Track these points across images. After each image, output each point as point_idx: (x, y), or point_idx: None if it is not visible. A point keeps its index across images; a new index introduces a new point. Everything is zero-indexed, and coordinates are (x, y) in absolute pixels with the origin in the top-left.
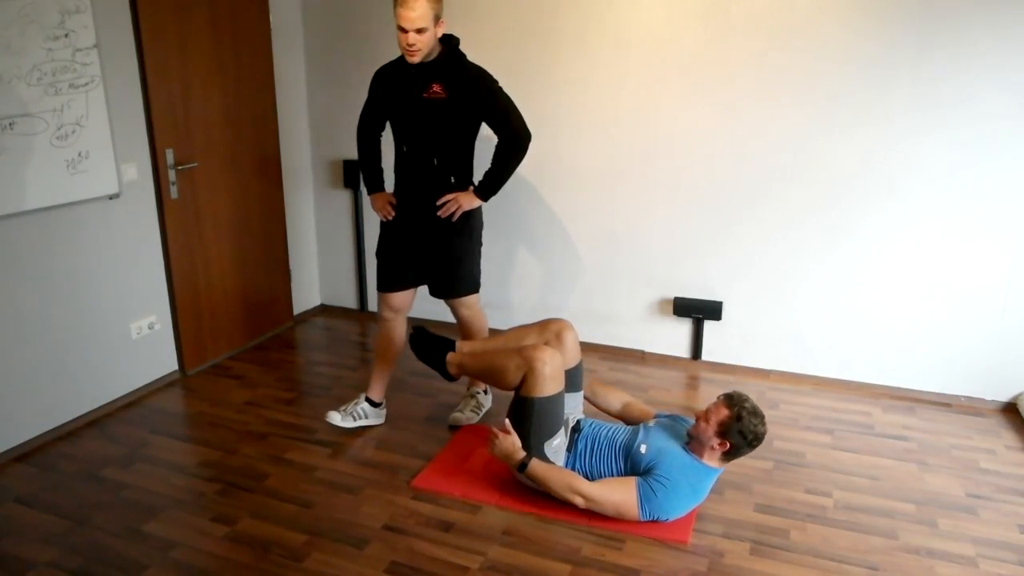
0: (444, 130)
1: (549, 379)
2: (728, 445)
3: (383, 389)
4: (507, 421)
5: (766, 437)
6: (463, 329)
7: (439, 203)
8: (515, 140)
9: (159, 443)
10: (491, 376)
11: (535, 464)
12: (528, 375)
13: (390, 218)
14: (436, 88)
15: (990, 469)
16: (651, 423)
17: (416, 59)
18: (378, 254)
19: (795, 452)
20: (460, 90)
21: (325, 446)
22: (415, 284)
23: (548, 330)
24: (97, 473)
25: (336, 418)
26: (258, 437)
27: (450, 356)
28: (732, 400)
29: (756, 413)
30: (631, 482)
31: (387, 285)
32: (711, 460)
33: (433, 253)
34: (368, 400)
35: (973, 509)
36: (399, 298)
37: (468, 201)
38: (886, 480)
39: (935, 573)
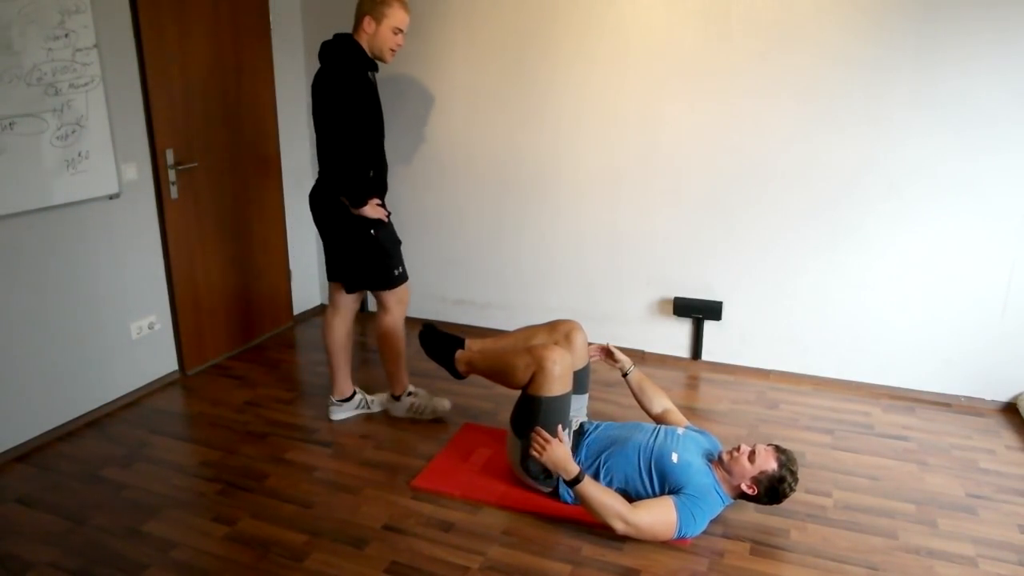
0: None
1: (558, 379)
2: (755, 491)
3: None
4: (560, 428)
5: (767, 436)
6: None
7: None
8: None
9: (159, 443)
10: (500, 374)
11: (589, 483)
12: (537, 374)
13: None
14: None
15: (990, 469)
16: (680, 431)
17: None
18: (397, 248)
19: (795, 452)
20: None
21: (325, 446)
22: None
23: (557, 331)
24: (97, 473)
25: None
26: (258, 437)
27: (459, 354)
28: (784, 457)
29: (796, 480)
30: (671, 508)
31: (407, 273)
32: (728, 489)
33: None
34: (399, 396)
35: (973, 509)
36: None
37: None
38: (886, 480)
39: (935, 573)
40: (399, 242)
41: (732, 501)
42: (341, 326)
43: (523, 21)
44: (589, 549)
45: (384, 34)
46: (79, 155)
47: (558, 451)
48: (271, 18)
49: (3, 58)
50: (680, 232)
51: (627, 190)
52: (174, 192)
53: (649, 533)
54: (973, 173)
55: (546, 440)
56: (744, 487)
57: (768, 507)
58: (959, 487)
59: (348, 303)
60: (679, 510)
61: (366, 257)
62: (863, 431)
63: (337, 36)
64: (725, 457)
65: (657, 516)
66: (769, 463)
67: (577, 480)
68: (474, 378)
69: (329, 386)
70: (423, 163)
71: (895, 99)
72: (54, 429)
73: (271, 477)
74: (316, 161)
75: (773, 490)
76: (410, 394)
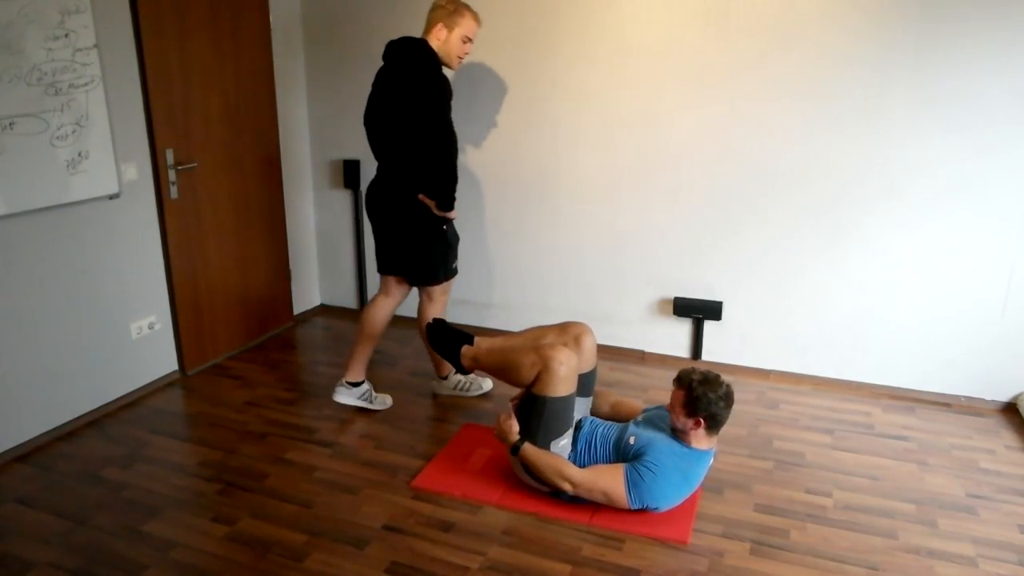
0: None
1: (563, 379)
2: (701, 420)
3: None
4: (510, 404)
5: (767, 436)
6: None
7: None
8: None
9: (159, 443)
10: (505, 372)
11: (527, 448)
12: (543, 373)
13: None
14: None
15: (990, 469)
16: (639, 417)
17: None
18: (456, 244)
19: (795, 452)
20: None
21: (325, 446)
22: None
23: (567, 333)
24: (97, 473)
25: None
26: (258, 437)
27: (465, 349)
28: (681, 380)
29: (707, 380)
30: (619, 468)
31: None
32: (699, 442)
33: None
34: (445, 377)
35: (973, 509)
36: None
37: None
38: (886, 480)
39: (935, 573)
40: (458, 238)
41: (708, 450)
42: (383, 313)
43: (523, 21)
44: (589, 549)
45: (454, 42)
46: (79, 155)
47: (503, 424)
48: (271, 18)
49: (3, 58)
50: (680, 232)
51: (627, 190)
52: (174, 192)
53: (597, 491)
54: (973, 173)
55: (499, 418)
56: (692, 427)
57: (768, 506)
58: (959, 487)
59: (400, 295)
60: (626, 471)
61: (434, 252)
62: (863, 431)
63: (409, 38)
64: (671, 424)
65: (599, 473)
66: (677, 396)
67: (516, 447)
68: None
69: (329, 386)
70: None
71: (895, 99)
72: (54, 429)
73: (271, 477)
74: (381, 159)
75: (702, 404)
76: (455, 373)
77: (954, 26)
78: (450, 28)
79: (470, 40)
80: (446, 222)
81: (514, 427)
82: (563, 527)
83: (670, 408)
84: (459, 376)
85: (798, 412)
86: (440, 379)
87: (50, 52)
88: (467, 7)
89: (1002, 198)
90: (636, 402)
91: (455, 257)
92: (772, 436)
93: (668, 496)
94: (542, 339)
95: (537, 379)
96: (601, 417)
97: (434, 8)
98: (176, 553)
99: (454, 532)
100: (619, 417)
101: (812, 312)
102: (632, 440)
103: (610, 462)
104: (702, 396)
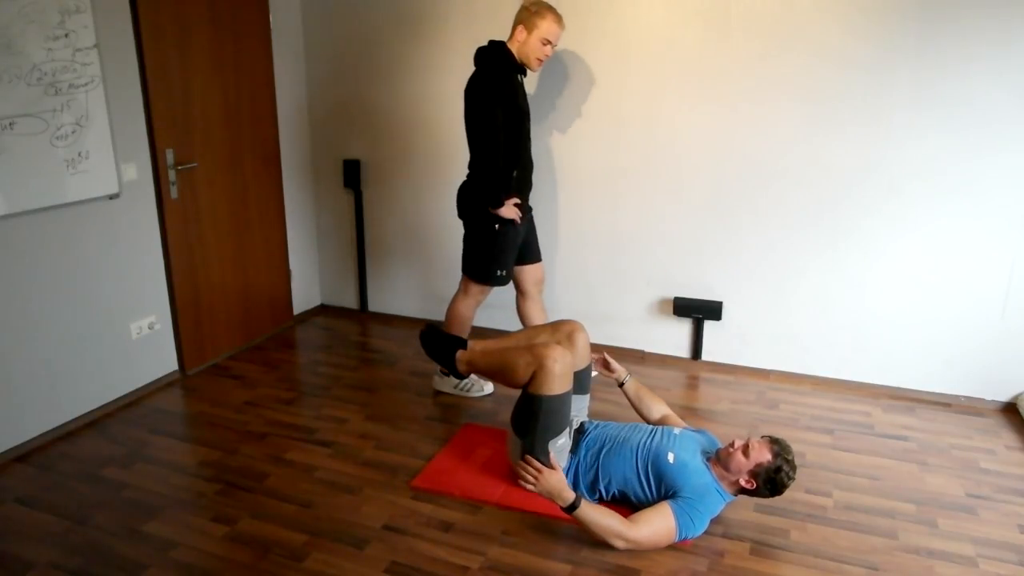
0: None
1: (559, 377)
2: (754, 485)
3: None
4: (552, 456)
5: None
6: (534, 301)
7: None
8: None
9: (159, 443)
10: (501, 373)
11: (586, 507)
12: (538, 372)
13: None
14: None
15: (990, 469)
16: (677, 431)
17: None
18: (509, 254)
19: (795, 452)
20: None
21: (325, 446)
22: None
23: (560, 331)
24: (97, 473)
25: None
26: (258, 437)
27: (460, 353)
28: (778, 447)
29: (794, 468)
30: (669, 516)
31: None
32: (727, 486)
33: (532, 231)
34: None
35: (973, 509)
36: None
37: None
38: (886, 480)
39: (935, 573)
40: (516, 247)
41: (733, 497)
42: (532, 311)
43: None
44: (589, 549)
45: (533, 43)
46: (79, 155)
47: (551, 479)
48: (271, 18)
49: (3, 58)
50: (680, 232)
51: (627, 190)
52: (174, 192)
53: (650, 545)
54: (973, 173)
55: (538, 470)
56: (742, 482)
57: (768, 506)
58: (959, 487)
59: (522, 289)
60: (677, 516)
61: (481, 249)
62: (863, 431)
63: (491, 42)
64: (722, 454)
65: (656, 527)
66: (764, 455)
67: (574, 507)
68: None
69: (329, 386)
70: (423, 163)
71: (895, 99)
72: (54, 429)
73: (271, 477)
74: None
75: (771, 481)
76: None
77: (954, 26)
78: (530, 30)
79: (550, 43)
80: (499, 221)
81: (563, 479)
82: (563, 527)
83: (741, 450)
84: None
85: (798, 412)
86: (443, 375)
87: (50, 52)
88: (550, 9)
89: (1002, 198)
90: (680, 421)
91: (504, 265)
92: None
93: (699, 530)
94: (535, 338)
95: (533, 379)
96: (648, 422)
97: (519, 10)
98: (176, 553)
99: (454, 532)
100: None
101: (812, 312)
102: (671, 458)
103: (635, 471)
104: (780, 478)
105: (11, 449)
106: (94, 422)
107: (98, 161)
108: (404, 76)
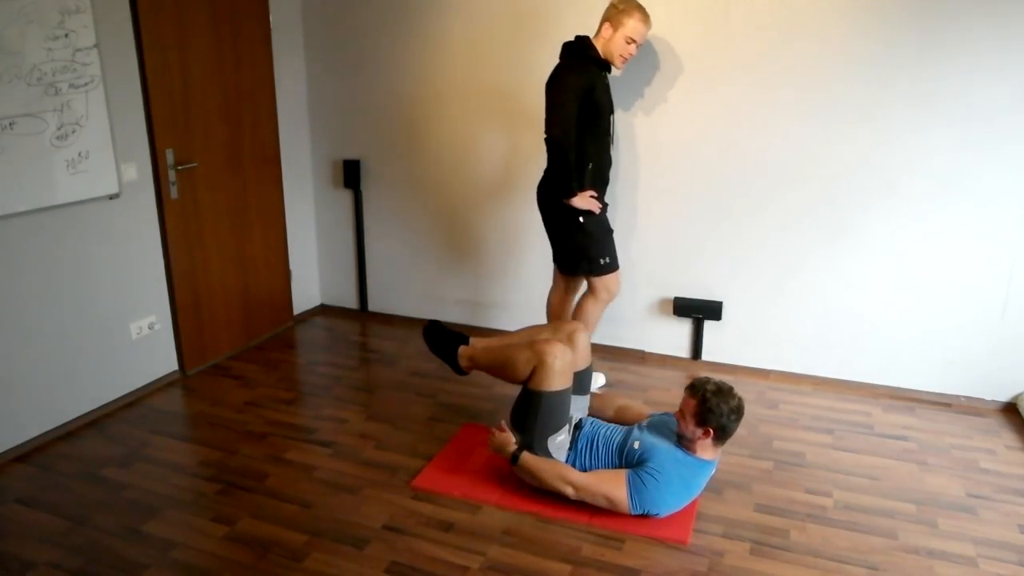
0: None
1: (558, 373)
2: (710, 431)
3: None
4: (503, 422)
5: (767, 436)
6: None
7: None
8: None
9: (159, 443)
10: (501, 370)
11: (526, 456)
12: (538, 368)
13: (600, 208)
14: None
15: (990, 469)
16: (644, 422)
17: (624, 66)
18: (607, 239)
19: (795, 452)
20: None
21: (325, 446)
22: None
23: (561, 331)
24: (97, 473)
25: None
26: (258, 437)
27: (462, 350)
28: (695, 388)
29: (721, 391)
30: (621, 473)
31: (618, 263)
32: (704, 452)
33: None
34: None
35: (973, 509)
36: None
37: None
38: (886, 480)
39: (935, 573)
40: (609, 231)
41: (715, 460)
42: (555, 299)
43: (522, 20)
44: (589, 549)
45: (618, 41)
46: (79, 155)
47: (498, 438)
48: (271, 18)
49: (3, 58)
50: (680, 232)
51: (626, 189)
52: (174, 192)
53: (599, 495)
54: (973, 173)
55: (491, 432)
56: (701, 436)
57: (768, 506)
58: (959, 487)
59: (563, 281)
60: (628, 477)
61: (575, 243)
62: (863, 431)
63: (577, 37)
64: (678, 431)
65: (602, 478)
66: (689, 404)
67: (515, 457)
68: (474, 377)
69: (329, 386)
70: (423, 163)
71: (895, 98)
72: (54, 429)
73: (271, 477)
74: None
75: (714, 415)
76: None
77: (955, 25)
78: (616, 28)
79: (634, 41)
80: (584, 213)
81: (510, 437)
82: (563, 527)
83: (679, 415)
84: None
85: (798, 412)
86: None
87: (50, 52)
88: (638, 8)
89: (1003, 198)
90: (642, 407)
91: (603, 252)
92: (772, 436)
93: (669, 503)
94: (536, 336)
95: (532, 375)
96: (608, 420)
97: (608, 7)
98: (176, 553)
99: (454, 532)
100: (624, 421)
101: (812, 312)
102: (636, 445)
103: (613, 465)
104: (715, 407)
105: (11, 449)
106: (94, 422)
107: (98, 161)
108: (404, 76)
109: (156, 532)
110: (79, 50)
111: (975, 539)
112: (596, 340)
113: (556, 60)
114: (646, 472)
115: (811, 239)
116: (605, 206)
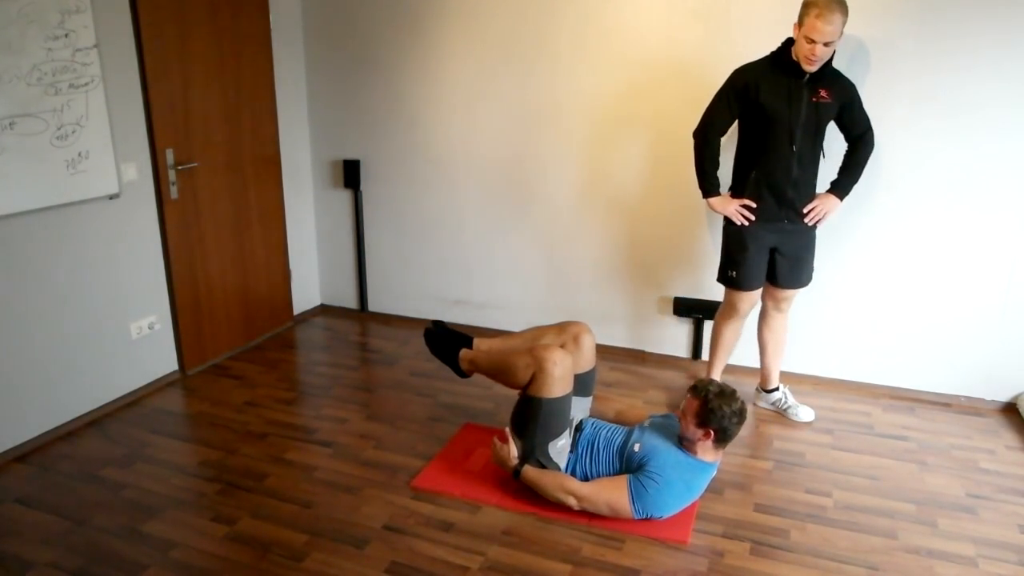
0: (823, 132)
1: (558, 380)
2: (712, 432)
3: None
4: (507, 429)
5: (767, 436)
6: (771, 319)
7: (808, 209)
8: (872, 139)
9: (159, 443)
10: (501, 374)
11: (528, 470)
12: (537, 374)
13: (747, 223)
14: (823, 93)
15: (990, 469)
16: (645, 423)
17: (814, 68)
18: (739, 254)
19: (795, 452)
20: (841, 94)
21: (325, 446)
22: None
23: (566, 332)
24: (97, 473)
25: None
26: (258, 437)
27: (463, 352)
28: (697, 390)
29: (724, 393)
30: (623, 480)
31: (753, 283)
32: (705, 454)
33: (795, 249)
34: (767, 390)
35: (973, 509)
36: (756, 295)
37: (833, 205)
38: (886, 480)
39: (935, 573)
40: (745, 248)
41: (716, 462)
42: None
43: (522, 21)
44: (589, 549)
45: (800, 41)
46: (79, 155)
47: (501, 451)
48: (271, 18)
49: (3, 58)
50: (680, 231)
51: (626, 189)
52: (174, 192)
53: (602, 503)
54: (973, 173)
55: (494, 442)
56: (702, 438)
57: (769, 506)
58: (959, 487)
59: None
60: (630, 482)
61: (723, 248)
62: (863, 431)
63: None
64: (679, 432)
65: (603, 486)
66: (692, 405)
67: (517, 471)
68: (475, 377)
69: (329, 386)
70: (423, 163)
71: (895, 98)
72: (54, 429)
73: (271, 477)
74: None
75: (716, 417)
76: (774, 391)
77: (955, 25)
78: (799, 26)
79: (814, 42)
80: (730, 220)
81: (513, 451)
82: (563, 527)
83: (681, 416)
84: (779, 393)
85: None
86: (763, 391)
87: (50, 52)
88: (816, 4)
89: (1003, 198)
90: (642, 409)
91: (731, 264)
92: (772, 436)
93: (670, 505)
94: (540, 340)
95: (532, 381)
96: (606, 422)
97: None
98: (176, 553)
99: (454, 532)
100: (625, 422)
101: (812, 312)
102: (637, 447)
103: (613, 468)
104: (716, 409)
105: (11, 449)
106: (94, 422)
107: (98, 161)
108: (404, 76)
109: (156, 532)
110: (79, 50)
111: (975, 539)
112: (596, 340)
113: (556, 60)
114: (647, 476)
115: None
116: (780, 221)
